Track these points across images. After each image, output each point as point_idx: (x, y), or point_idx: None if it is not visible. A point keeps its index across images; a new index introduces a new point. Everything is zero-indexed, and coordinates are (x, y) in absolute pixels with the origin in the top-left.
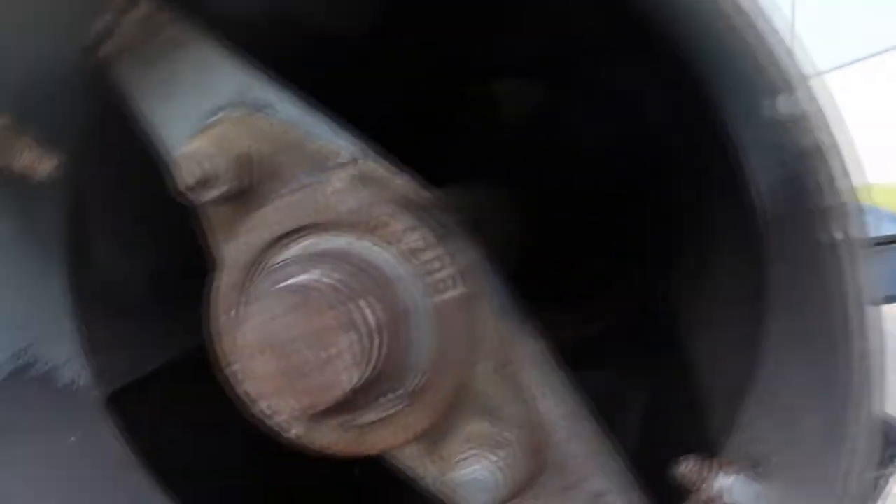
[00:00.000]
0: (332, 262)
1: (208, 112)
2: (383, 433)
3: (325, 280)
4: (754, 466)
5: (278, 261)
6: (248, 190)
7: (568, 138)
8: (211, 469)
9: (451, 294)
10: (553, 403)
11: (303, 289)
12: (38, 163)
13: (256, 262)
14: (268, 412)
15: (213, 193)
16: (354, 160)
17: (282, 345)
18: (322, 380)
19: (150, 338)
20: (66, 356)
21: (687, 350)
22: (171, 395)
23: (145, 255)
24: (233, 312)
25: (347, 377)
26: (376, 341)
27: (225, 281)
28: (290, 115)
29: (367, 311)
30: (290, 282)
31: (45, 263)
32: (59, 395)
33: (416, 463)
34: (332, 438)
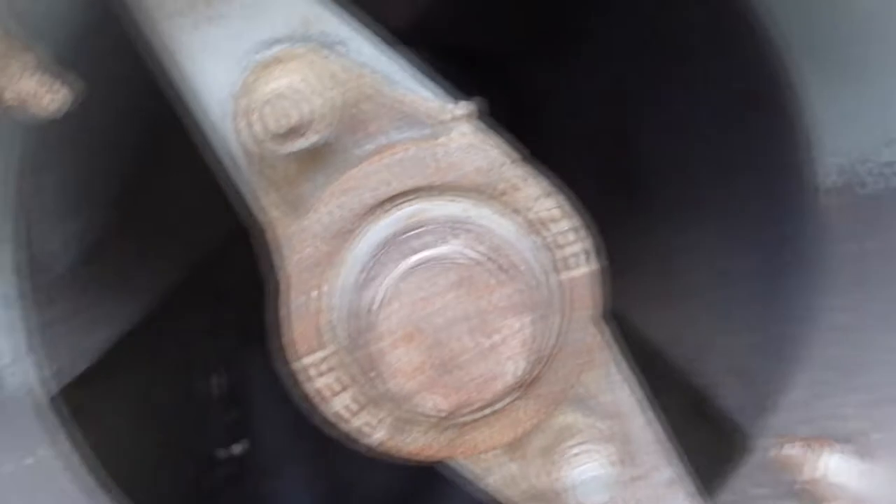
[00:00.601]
0: (468, 232)
1: (262, 44)
2: (487, 432)
3: (476, 253)
4: (846, 443)
5: (398, 230)
6: (327, 143)
7: None
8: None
9: (581, 270)
10: (629, 390)
11: (465, 263)
12: (43, 92)
13: (350, 231)
14: (344, 416)
15: (302, 144)
16: (470, 115)
17: (436, 330)
18: (482, 371)
19: (81, 325)
20: (13, 353)
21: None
22: (112, 390)
23: (76, 226)
24: (315, 293)
25: (513, 368)
26: (542, 325)
27: (306, 253)
28: (367, 56)
29: (527, 290)
30: (431, 253)
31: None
32: (10, 405)
33: (492, 462)
34: (423, 442)
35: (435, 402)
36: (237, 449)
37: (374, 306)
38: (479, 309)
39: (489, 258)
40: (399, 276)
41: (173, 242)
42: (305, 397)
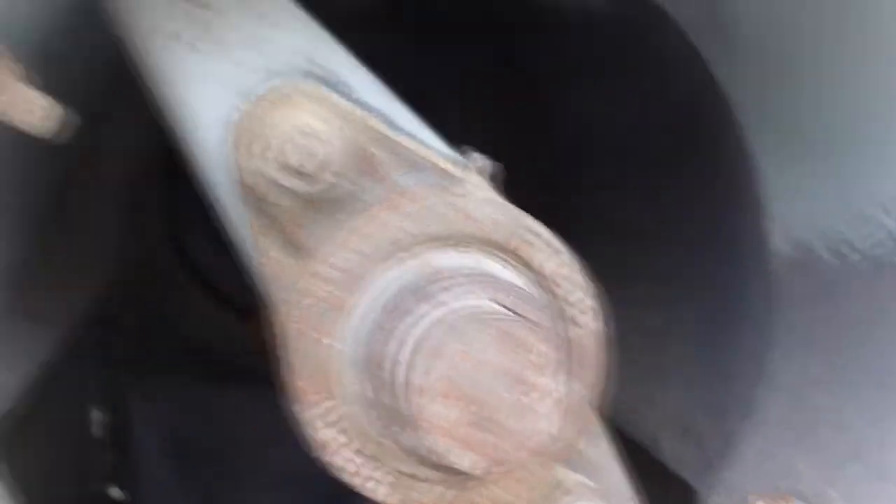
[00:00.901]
0: (494, 285)
1: (263, 74)
2: (492, 489)
3: (506, 308)
4: (805, 500)
5: (418, 279)
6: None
7: None
8: None
9: (589, 328)
10: (606, 444)
11: (503, 317)
12: (36, 107)
13: (362, 278)
14: (349, 469)
15: (319, 185)
16: (484, 167)
17: (474, 386)
18: (519, 429)
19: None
20: None
21: None
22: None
23: None
24: (326, 340)
25: (548, 425)
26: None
27: (317, 298)
28: (371, 98)
29: (558, 346)
30: (465, 305)
31: None
32: None
33: None
34: (429, 499)
35: (472, 459)
36: (116, 493)
37: (404, 358)
38: (517, 365)
39: (518, 313)
40: (432, 327)
41: (89, 270)
42: (308, 445)
